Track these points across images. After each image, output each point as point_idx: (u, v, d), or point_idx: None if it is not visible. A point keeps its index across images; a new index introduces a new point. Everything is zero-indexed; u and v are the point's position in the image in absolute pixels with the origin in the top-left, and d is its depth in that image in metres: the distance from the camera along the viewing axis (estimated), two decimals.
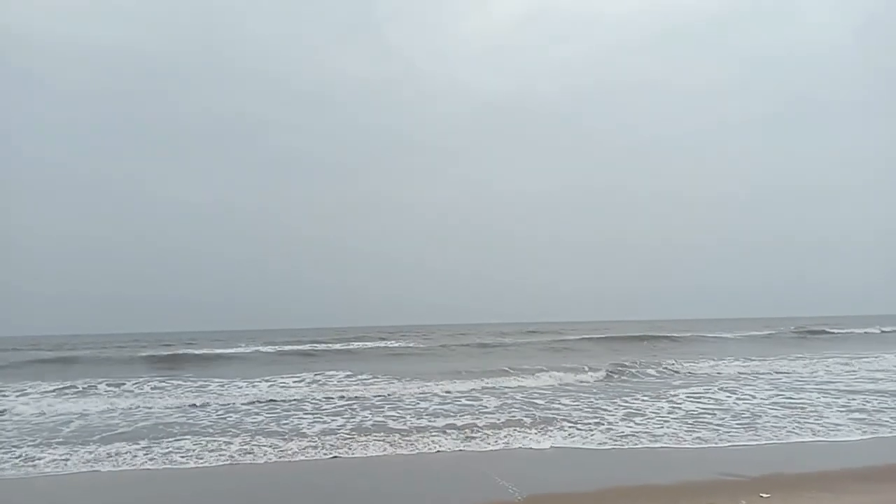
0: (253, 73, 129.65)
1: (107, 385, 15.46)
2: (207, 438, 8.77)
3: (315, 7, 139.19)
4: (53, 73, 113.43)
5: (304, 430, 9.33)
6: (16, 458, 7.79)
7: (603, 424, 9.20)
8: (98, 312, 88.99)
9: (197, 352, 25.89)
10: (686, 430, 8.69)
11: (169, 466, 7.34)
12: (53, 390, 14.55)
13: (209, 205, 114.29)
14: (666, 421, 9.44)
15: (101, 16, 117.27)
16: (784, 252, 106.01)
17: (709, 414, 10.01)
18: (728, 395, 12.07)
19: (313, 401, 12.15)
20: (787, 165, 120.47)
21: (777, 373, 16.39)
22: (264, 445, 8.18)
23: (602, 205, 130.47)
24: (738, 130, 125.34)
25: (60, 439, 8.99)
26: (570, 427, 9.04)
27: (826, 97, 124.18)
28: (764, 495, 5.59)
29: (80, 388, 14.75)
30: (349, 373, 16.98)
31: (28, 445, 8.54)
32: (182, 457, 7.66)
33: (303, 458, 7.58)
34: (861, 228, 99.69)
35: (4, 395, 13.75)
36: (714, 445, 7.89)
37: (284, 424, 9.84)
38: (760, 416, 9.72)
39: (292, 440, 8.47)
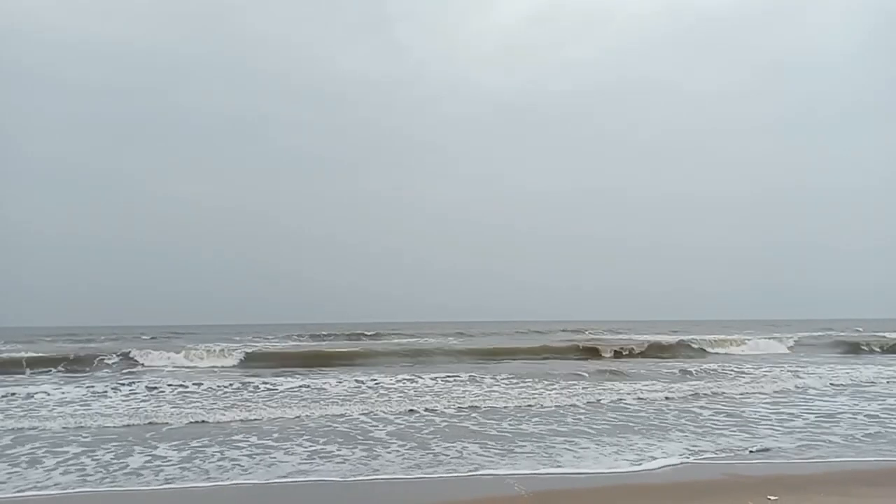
0: (260, 71, 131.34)
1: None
2: (267, 442, 8.09)
3: (324, 6, 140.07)
4: (57, 69, 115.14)
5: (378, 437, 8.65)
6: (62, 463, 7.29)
7: None
8: (98, 305, 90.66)
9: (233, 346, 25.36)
10: None
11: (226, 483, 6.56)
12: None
13: (213, 200, 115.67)
14: None
15: (105, 11, 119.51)
16: (793, 255, 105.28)
17: None
18: None
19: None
20: (795, 168, 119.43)
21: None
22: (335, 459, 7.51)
23: (611, 204, 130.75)
24: (749, 133, 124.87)
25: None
26: None
27: (837, 101, 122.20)
28: (771, 497, 5.65)
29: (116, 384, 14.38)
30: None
31: (76, 445, 8.17)
32: (226, 470, 6.99)
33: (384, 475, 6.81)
34: (869, 233, 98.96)
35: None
36: None
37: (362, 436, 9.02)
38: None
39: (376, 455, 7.72)
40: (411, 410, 10.88)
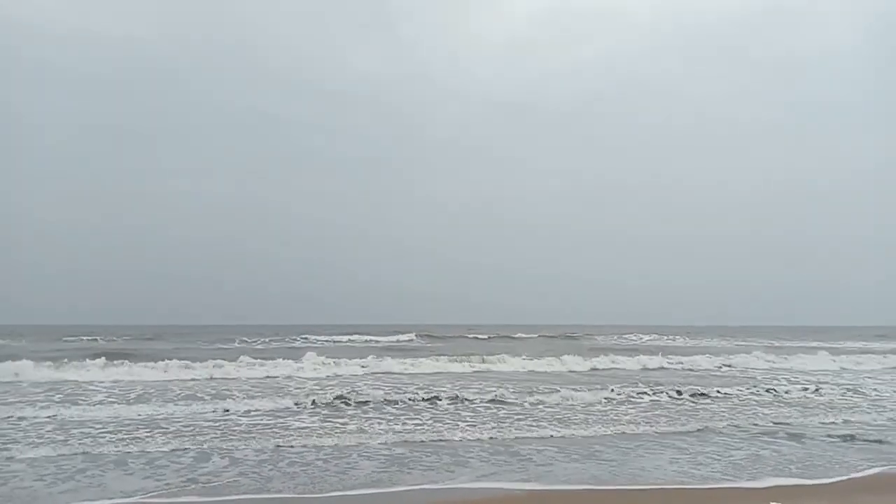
0: (266, 69, 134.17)
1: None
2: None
3: (329, 4, 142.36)
4: (66, 64, 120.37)
5: None
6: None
7: None
8: (113, 304, 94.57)
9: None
10: None
11: None
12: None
13: (222, 198, 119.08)
14: None
15: (112, 7, 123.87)
16: (795, 255, 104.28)
17: None
18: None
19: None
20: (803, 167, 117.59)
21: None
22: None
23: (615, 204, 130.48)
24: (752, 133, 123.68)
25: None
26: None
27: (845, 98, 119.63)
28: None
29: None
30: None
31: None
32: None
33: None
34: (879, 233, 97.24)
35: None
36: None
37: None
38: None
39: None
40: None
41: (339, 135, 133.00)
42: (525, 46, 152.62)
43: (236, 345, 32.38)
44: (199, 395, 13.22)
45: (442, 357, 21.94)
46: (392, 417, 10.78)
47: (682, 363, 22.41)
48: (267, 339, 35.83)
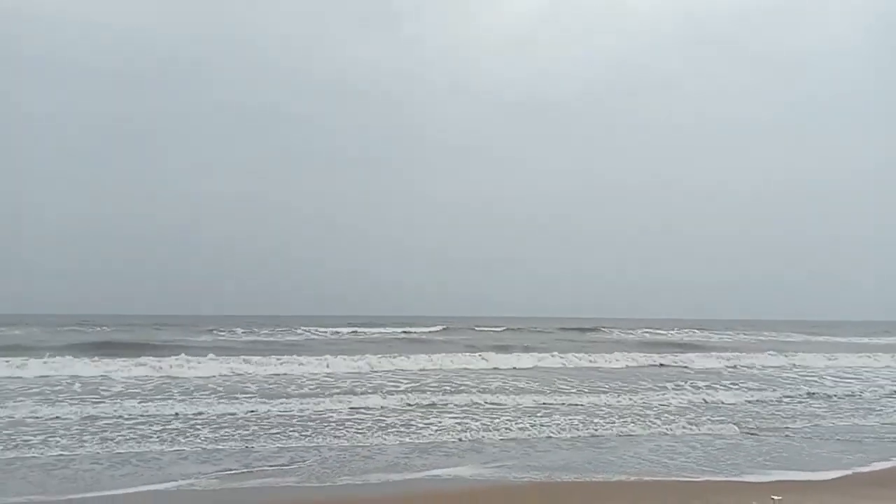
0: (266, 67, 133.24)
1: None
2: None
3: (330, 3, 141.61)
4: (66, 60, 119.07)
5: None
6: None
7: None
8: (119, 297, 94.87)
9: None
10: None
11: None
12: None
13: (225, 195, 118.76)
14: None
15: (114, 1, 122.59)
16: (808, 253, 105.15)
17: None
18: None
19: None
20: (803, 167, 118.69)
21: None
22: None
23: (615, 204, 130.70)
24: (760, 130, 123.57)
25: None
26: None
27: (845, 97, 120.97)
28: (775, 497, 5.96)
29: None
30: None
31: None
32: None
33: None
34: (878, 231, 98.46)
35: None
36: None
37: None
38: None
39: None
40: None
41: (339, 134, 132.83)
42: (525, 46, 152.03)
43: (241, 335, 32.89)
44: (210, 387, 13.68)
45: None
46: None
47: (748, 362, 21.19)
48: (278, 330, 36.29)
